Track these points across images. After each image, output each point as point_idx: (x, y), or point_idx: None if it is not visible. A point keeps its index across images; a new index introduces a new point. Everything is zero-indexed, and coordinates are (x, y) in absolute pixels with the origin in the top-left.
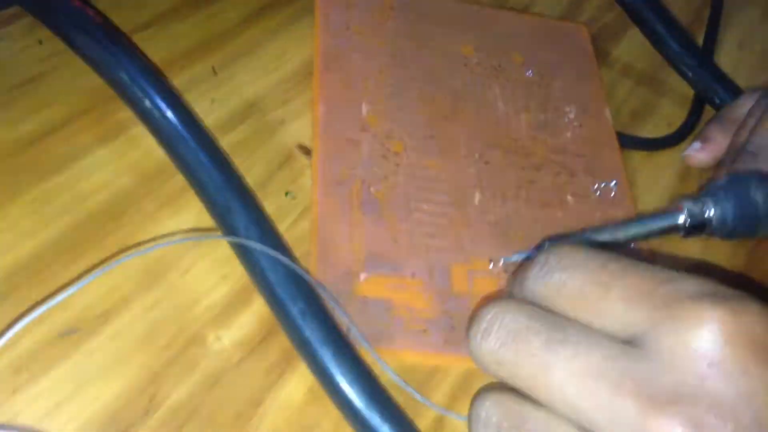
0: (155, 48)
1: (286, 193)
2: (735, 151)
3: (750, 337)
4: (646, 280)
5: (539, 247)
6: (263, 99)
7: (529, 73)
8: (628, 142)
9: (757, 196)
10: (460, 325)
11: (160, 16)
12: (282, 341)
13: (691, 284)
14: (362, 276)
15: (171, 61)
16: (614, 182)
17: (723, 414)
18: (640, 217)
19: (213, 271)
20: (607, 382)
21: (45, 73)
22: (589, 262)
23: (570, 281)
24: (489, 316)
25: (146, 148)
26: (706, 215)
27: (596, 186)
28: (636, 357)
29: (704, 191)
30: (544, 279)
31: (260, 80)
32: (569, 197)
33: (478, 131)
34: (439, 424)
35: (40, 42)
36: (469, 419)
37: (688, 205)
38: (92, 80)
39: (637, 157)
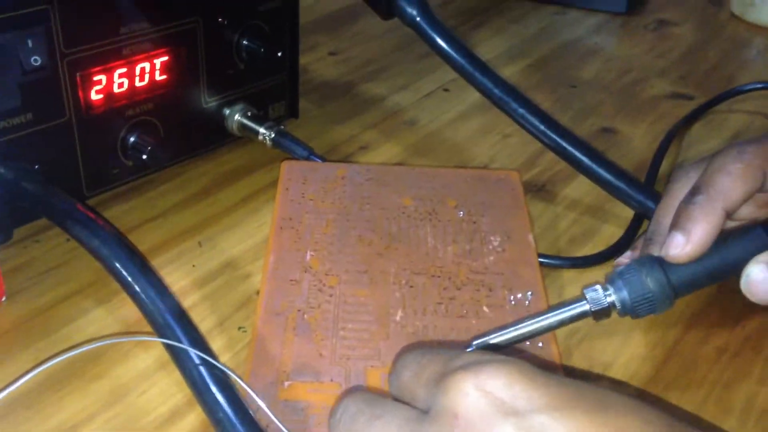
0: (156, 234)
1: (239, 328)
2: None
3: (486, 390)
4: (440, 365)
5: (468, 346)
6: (236, 260)
7: (460, 214)
8: (558, 262)
9: (648, 280)
10: None
11: (167, 210)
12: None
13: (459, 361)
14: (286, 384)
15: (166, 242)
16: (530, 293)
17: None
18: (550, 309)
19: (167, 390)
20: None
21: (67, 261)
22: (413, 362)
23: (402, 376)
24: (339, 406)
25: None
26: (607, 301)
27: (512, 297)
28: (422, 419)
29: (606, 280)
30: (393, 376)
31: (236, 247)
32: (485, 308)
33: (407, 263)
34: None
35: (68, 240)
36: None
37: (589, 294)
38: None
39: (570, 274)
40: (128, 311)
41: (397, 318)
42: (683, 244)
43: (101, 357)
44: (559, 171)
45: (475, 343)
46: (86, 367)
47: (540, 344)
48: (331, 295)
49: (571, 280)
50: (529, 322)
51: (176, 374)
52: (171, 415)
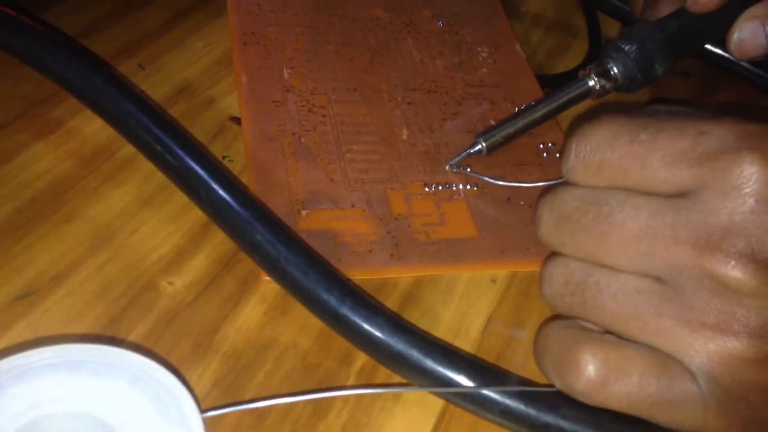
0: None
1: (224, 157)
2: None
3: None
4: (680, 140)
5: (474, 144)
6: (192, 84)
7: (439, 24)
8: (543, 82)
9: (653, 48)
10: (403, 241)
11: (84, 30)
12: (235, 276)
13: (723, 134)
14: (303, 213)
15: None
16: (534, 103)
17: None
18: (553, 94)
19: (160, 228)
20: (660, 236)
21: None
22: (618, 139)
23: (606, 161)
24: (542, 205)
25: (84, 136)
26: (611, 73)
27: (517, 109)
28: (685, 207)
29: (603, 53)
30: (582, 168)
31: (187, 69)
32: (492, 122)
33: (397, 79)
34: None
35: None
36: (541, 277)
37: (593, 69)
38: (24, 88)
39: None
40: (77, 144)
41: (404, 137)
42: None
43: (64, 196)
44: None
45: (482, 139)
46: (50, 208)
47: (558, 155)
48: (324, 116)
49: None
50: (534, 110)
51: (167, 209)
52: (177, 255)
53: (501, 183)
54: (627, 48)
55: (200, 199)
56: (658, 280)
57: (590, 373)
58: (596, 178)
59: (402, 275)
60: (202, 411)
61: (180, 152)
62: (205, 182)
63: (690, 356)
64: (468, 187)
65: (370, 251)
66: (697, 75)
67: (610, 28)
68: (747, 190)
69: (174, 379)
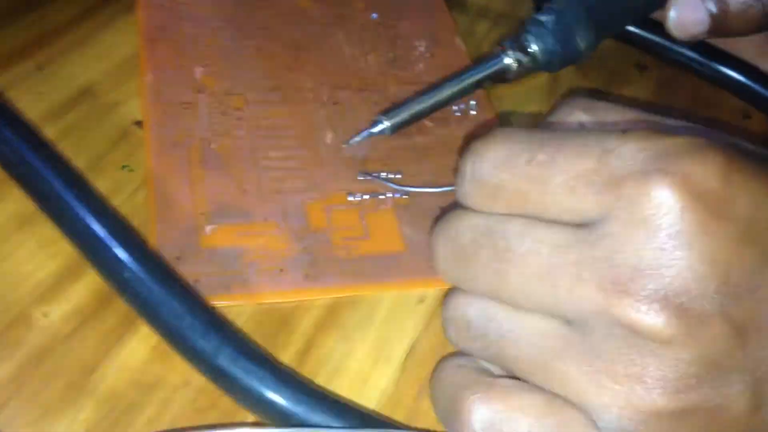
0: None
1: (123, 167)
2: None
3: (706, 196)
4: (582, 161)
5: (376, 123)
6: (95, 86)
7: (373, 16)
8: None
9: (573, 21)
10: (320, 258)
11: None
12: (119, 307)
13: (630, 153)
14: (208, 229)
15: None
16: (473, 102)
17: (688, 281)
18: (465, 70)
19: (39, 251)
20: (563, 275)
21: None
22: (514, 159)
23: (502, 185)
24: (436, 236)
25: None
26: (530, 49)
27: (455, 107)
28: (590, 241)
29: (520, 30)
30: (476, 192)
31: (90, 70)
32: (428, 122)
33: (324, 77)
34: (302, 356)
35: None
36: (443, 318)
37: (509, 45)
38: None
39: (501, 88)
40: None
41: (328, 141)
42: None
43: None
44: None
45: (384, 118)
46: None
47: (473, 111)
48: (239, 119)
49: (508, 90)
50: (443, 87)
51: (48, 230)
52: (55, 281)
53: (410, 189)
54: (544, 19)
55: (64, 228)
56: (566, 322)
57: (475, 425)
58: (493, 204)
59: (317, 297)
60: None
61: (44, 174)
62: (70, 209)
63: (598, 409)
64: (398, 195)
65: (282, 270)
66: (655, 69)
67: None
68: (657, 222)
69: None
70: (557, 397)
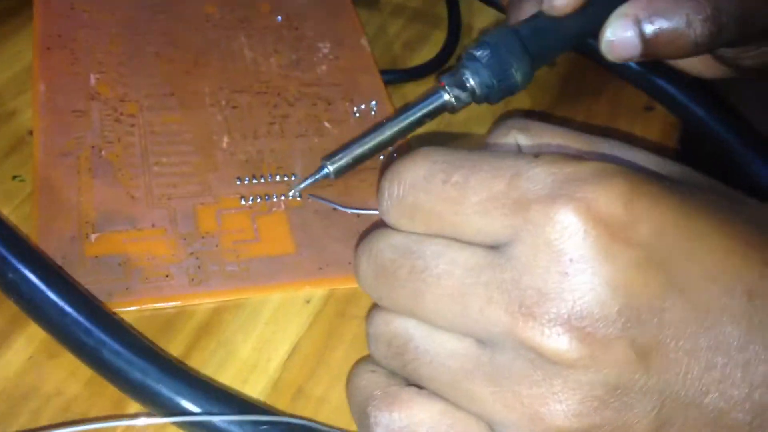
0: None
1: (14, 177)
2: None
3: (609, 221)
4: (493, 183)
5: (320, 168)
6: None
7: (278, 19)
8: (394, 77)
9: (508, 55)
10: (207, 263)
11: None
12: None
13: (539, 176)
14: (93, 237)
15: None
16: (374, 102)
17: (590, 305)
18: (406, 109)
19: None
20: (474, 296)
21: None
22: (431, 179)
23: (419, 203)
24: (360, 253)
25: None
26: (467, 85)
27: (355, 109)
28: (499, 264)
29: (457, 65)
30: (395, 211)
31: None
32: (326, 124)
33: (223, 81)
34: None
35: None
36: (366, 334)
37: (447, 81)
38: None
39: (408, 87)
40: None
41: (224, 145)
42: None
43: None
44: None
45: (328, 164)
46: None
47: (373, 112)
48: (133, 125)
49: (414, 90)
50: (385, 128)
51: None
52: None
53: (352, 210)
54: (479, 54)
55: None
56: (479, 342)
57: (377, 430)
58: (412, 223)
59: (202, 301)
60: None
61: None
62: None
63: (505, 428)
64: (291, 197)
65: (167, 276)
66: (564, 64)
67: (479, 16)
68: (561, 246)
69: None
70: (456, 407)
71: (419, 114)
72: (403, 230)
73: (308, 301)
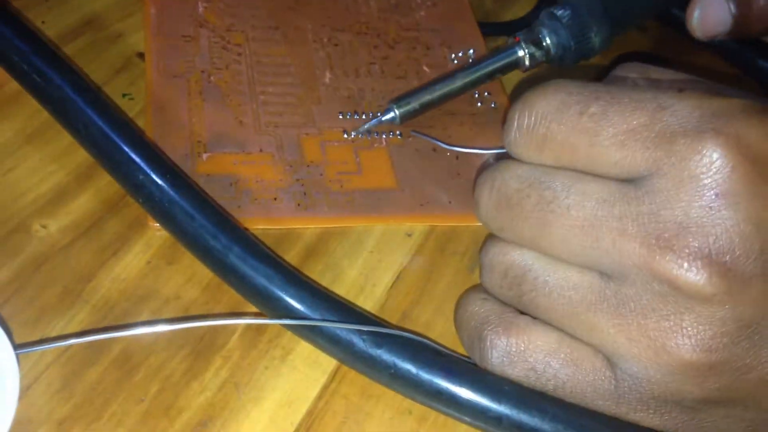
0: None
1: (124, 95)
2: None
3: (757, 157)
4: (635, 115)
5: (387, 111)
6: (99, 16)
7: None
8: (488, 29)
9: (588, 16)
10: (312, 190)
11: None
12: (119, 222)
13: (685, 111)
14: (204, 156)
15: None
16: (471, 51)
17: (733, 240)
18: (478, 61)
19: (41, 167)
20: (607, 229)
21: None
22: (565, 111)
23: (551, 134)
24: (482, 183)
25: None
26: (544, 43)
27: (453, 55)
28: (636, 196)
29: (535, 23)
30: (524, 142)
31: (96, 1)
32: (425, 68)
33: (325, 19)
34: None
35: None
36: (480, 264)
37: (523, 37)
38: None
39: (501, 41)
40: None
41: (326, 80)
42: None
43: None
44: None
45: (395, 107)
46: None
47: (493, 104)
48: (240, 54)
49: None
50: (455, 78)
51: (52, 147)
52: (56, 195)
53: (456, 149)
54: (560, 13)
55: (79, 134)
56: (602, 275)
57: (493, 357)
58: (540, 155)
59: (308, 226)
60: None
61: (58, 82)
62: (85, 115)
63: (624, 358)
64: (391, 135)
65: (275, 199)
66: (655, 30)
67: None
68: (706, 180)
69: None
70: (571, 336)
71: (491, 68)
72: (530, 162)
73: (410, 235)
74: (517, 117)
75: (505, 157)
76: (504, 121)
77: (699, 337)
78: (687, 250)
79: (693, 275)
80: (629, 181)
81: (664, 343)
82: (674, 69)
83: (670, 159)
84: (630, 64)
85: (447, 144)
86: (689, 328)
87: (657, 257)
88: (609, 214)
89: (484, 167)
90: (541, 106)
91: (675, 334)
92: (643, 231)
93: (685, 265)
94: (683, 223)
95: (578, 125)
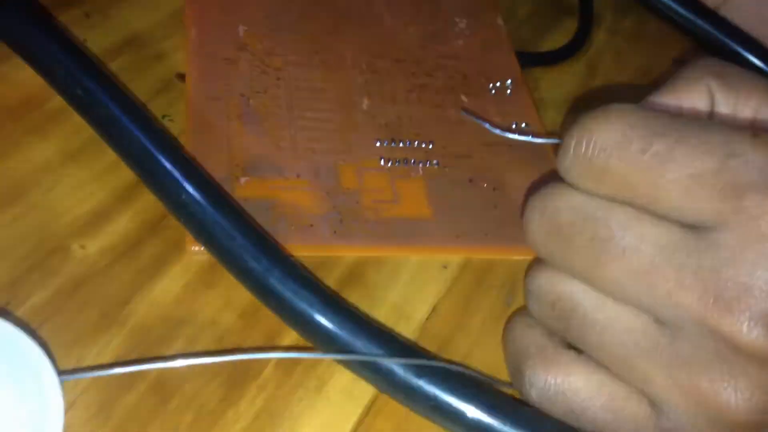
0: None
1: (163, 117)
2: None
3: None
4: (703, 159)
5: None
6: (140, 36)
7: None
8: (524, 60)
9: None
10: (349, 218)
11: None
12: (157, 244)
13: (759, 162)
14: (242, 180)
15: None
16: (509, 81)
17: None
18: None
19: (82, 186)
20: (663, 278)
21: None
22: (627, 145)
23: (610, 168)
24: (532, 207)
25: (11, 84)
26: None
27: (491, 85)
28: (697, 248)
29: None
30: (581, 171)
31: (138, 21)
32: (463, 97)
33: (364, 45)
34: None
35: None
36: (526, 290)
37: None
38: None
39: (537, 71)
40: (4, 91)
41: (364, 107)
42: None
43: None
44: None
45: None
46: None
47: (508, 91)
48: (279, 78)
49: (543, 75)
50: None
51: (93, 166)
52: (95, 215)
53: (507, 134)
54: None
55: (123, 150)
56: (657, 320)
57: (533, 394)
58: (598, 187)
59: (344, 253)
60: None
61: (103, 98)
62: (129, 132)
63: (673, 411)
64: (428, 164)
65: (312, 226)
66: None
67: (604, 6)
68: None
69: (28, 341)
70: (616, 379)
71: None
72: (585, 190)
73: (445, 267)
74: (574, 144)
75: (558, 149)
76: (555, 150)
77: (755, 400)
78: (748, 313)
79: (754, 337)
80: (691, 227)
81: (717, 400)
82: (754, 74)
83: (737, 216)
84: (705, 63)
85: (497, 128)
86: (745, 391)
87: (716, 314)
88: (667, 263)
89: (532, 190)
90: (601, 137)
91: (729, 393)
92: (702, 287)
93: (746, 326)
94: (747, 284)
95: (640, 164)
